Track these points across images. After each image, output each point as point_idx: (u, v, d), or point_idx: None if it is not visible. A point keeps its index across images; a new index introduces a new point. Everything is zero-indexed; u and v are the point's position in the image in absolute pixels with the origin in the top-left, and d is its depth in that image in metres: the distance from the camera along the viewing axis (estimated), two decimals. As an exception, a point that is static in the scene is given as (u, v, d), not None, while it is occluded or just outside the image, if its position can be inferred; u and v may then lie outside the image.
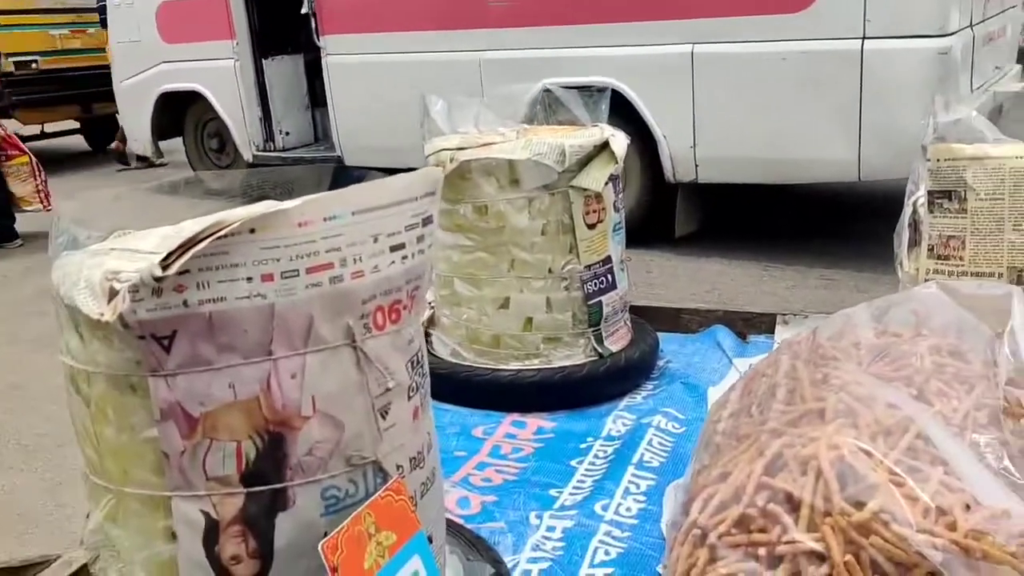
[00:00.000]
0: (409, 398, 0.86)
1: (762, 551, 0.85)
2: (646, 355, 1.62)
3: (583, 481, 1.29)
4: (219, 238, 0.71)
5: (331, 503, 0.79)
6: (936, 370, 1.10)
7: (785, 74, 5.31)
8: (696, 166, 5.80)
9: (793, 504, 0.86)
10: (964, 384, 1.08)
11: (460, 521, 1.16)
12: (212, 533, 0.78)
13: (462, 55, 6.42)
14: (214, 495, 0.77)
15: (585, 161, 1.52)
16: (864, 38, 5.02)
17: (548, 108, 1.67)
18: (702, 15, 5.52)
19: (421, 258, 0.86)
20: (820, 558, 0.83)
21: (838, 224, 5.02)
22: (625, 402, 1.55)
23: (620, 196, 1.60)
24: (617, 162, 1.51)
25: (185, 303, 0.72)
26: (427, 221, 0.86)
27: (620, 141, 1.53)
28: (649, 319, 1.79)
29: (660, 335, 1.79)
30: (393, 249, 0.81)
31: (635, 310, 1.81)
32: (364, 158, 5.80)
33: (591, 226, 1.53)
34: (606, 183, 1.52)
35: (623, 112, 5.96)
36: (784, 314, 1.80)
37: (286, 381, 0.76)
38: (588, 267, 1.54)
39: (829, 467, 0.86)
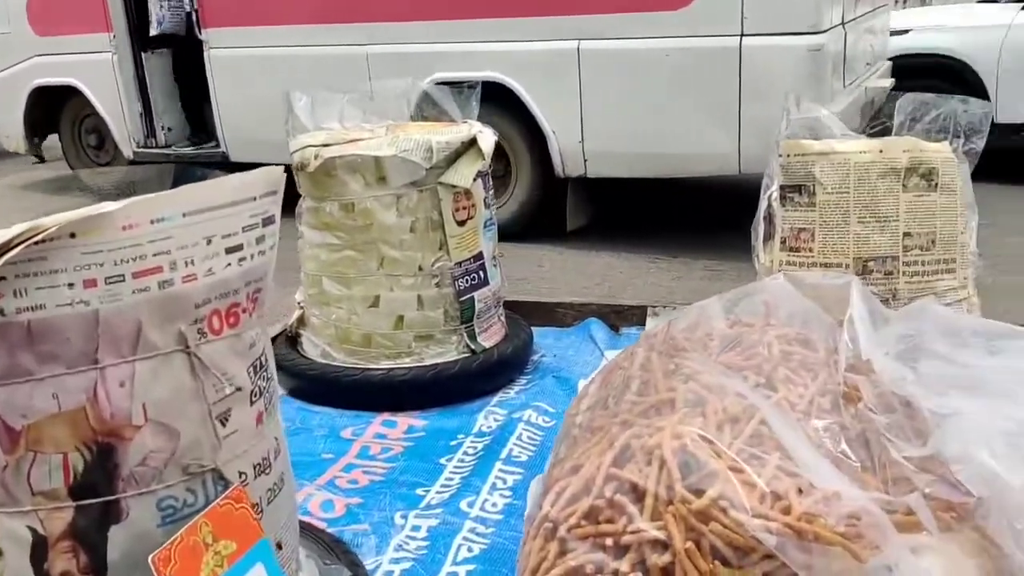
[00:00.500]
0: (252, 403, 0.84)
1: (609, 541, 0.86)
2: (519, 350, 1.63)
3: (451, 479, 1.29)
4: (35, 244, 0.68)
5: (168, 513, 0.77)
6: (784, 358, 1.14)
7: (668, 70, 5.42)
8: (585, 161, 5.87)
9: (639, 494, 0.88)
10: (810, 371, 1.12)
11: (323, 525, 1.14)
12: (40, 549, 0.74)
13: (349, 49, 6.34)
14: (40, 510, 0.74)
15: (453, 158, 1.52)
16: (742, 35, 5.17)
17: (418, 104, 1.67)
18: (587, 11, 5.59)
19: (262, 259, 0.84)
20: (664, 546, 0.85)
21: (724, 216, 5.16)
22: (498, 398, 1.56)
23: (491, 192, 1.61)
24: (484, 158, 1.51)
25: (1, 311, 0.69)
26: (268, 221, 0.85)
27: (488, 137, 1.54)
28: (524, 314, 1.81)
29: (535, 329, 1.81)
30: (229, 251, 0.79)
31: (510, 305, 1.82)
32: (250, 153, 5.67)
33: (461, 223, 1.53)
34: (475, 179, 1.51)
35: (512, 108, 6.00)
36: (654, 306, 1.84)
37: (114, 390, 0.73)
38: (459, 264, 1.54)
39: (672, 456, 0.88)
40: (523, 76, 5.87)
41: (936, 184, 1.34)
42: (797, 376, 1.11)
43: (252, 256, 0.82)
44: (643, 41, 5.47)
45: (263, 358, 0.87)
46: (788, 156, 1.39)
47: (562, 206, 6.21)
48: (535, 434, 1.40)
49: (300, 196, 1.58)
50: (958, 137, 1.42)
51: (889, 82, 6.79)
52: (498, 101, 6.01)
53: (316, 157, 1.48)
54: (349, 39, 6.38)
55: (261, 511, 0.86)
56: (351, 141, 1.50)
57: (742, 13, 5.12)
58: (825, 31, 5.17)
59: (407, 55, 6.13)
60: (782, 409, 1.03)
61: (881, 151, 1.33)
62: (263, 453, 0.86)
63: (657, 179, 5.71)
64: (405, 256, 1.51)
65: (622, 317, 1.85)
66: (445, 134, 1.51)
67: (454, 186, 1.50)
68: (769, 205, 1.45)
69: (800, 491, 0.85)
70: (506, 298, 1.78)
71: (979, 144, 1.43)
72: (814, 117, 1.45)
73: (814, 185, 1.36)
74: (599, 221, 6.53)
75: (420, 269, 1.52)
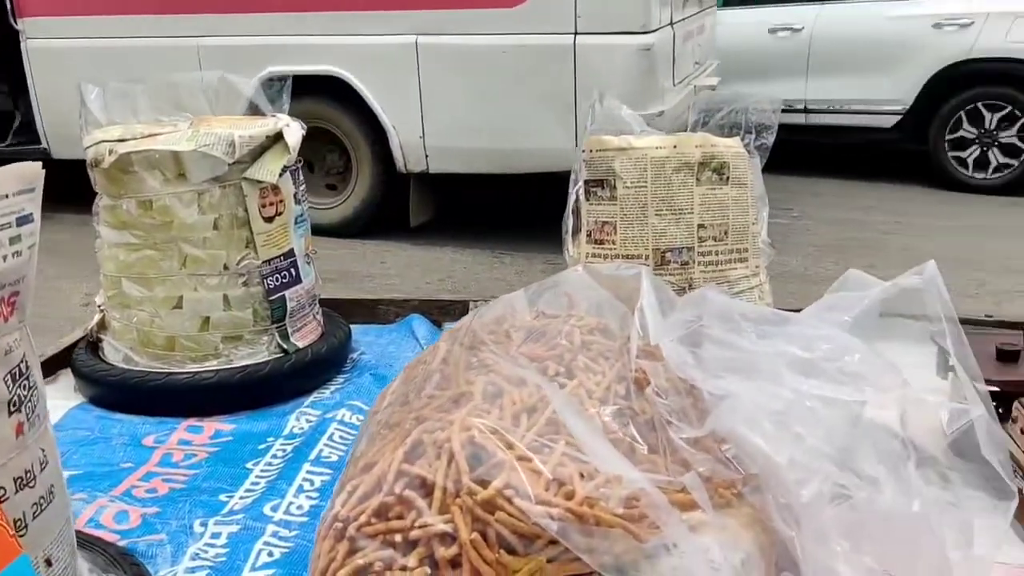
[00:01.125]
0: (10, 414, 0.79)
1: (398, 538, 0.86)
2: (335, 349, 1.60)
3: (256, 483, 1.26)
4: None
5: (-90, 536, 0.71)
6: (584, 347, 1.17)
7: (506, 67, 5.50)
8: (426, 156, 5.88)
9: (428, 488, 0.88)
10: (608, 359, 1.15)
11: (115, 537, 1.09)
12: None
13: (179, 41, 6.10)
14: None
15: (259, 152, 1.48)
16: (576, 33, 5.31)
17: (218, 97, 1.61)
18: (425, 7, 5.60)
19: (18, 261, 0.79)
20: (452, 539, 0.85)
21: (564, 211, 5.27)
22: (312, 398, 1.53)
23: (302, 188, 1.58)
24: (291, 153, 1.47)
25: None
26: (23, 220, 0.79)
27: (294, 131, 1.50)
28: (345, 312, 1.78)
29: (357, 327, 1.79)
30: (-25, 252, 0.74)
31: (330, 303, 1.79)
32: (73, 150, 5.37)
33: (269, 219, 1.49)
34: (282, 174, 1.48)
35: (352, 103, 5.94)
36: (475, 300, 1.85)
37: None
38: (267, 262, 1.50)
39: (460, 449, 0.88)
40: (361, 70, 5.82)
41: (727, 178, 1.41)
42: (596, 364, 1.14)
43: (5, 257, 0.77)
44: (481, 38, 5.53)
45: (23, 365, 0.81)
46: (591, 152, 1.43)
47: (405, 202, 6.19)
48: (348, 433, 1.38)
49: (96, 194, 1.51)
50: (749, 133, 1.50)
51: (716, 80, 7.11)
52: (337, 96, 5.93)
53: (110, 153, 1.41)
54: (179, 31, 6.14)
55: (25, 527, 0.81)
56: (148, 136, 1.43)
57: (575, 13, 5.25)
58: (654, 31, 5.38)
59: (240, 48, 5.97)
60: (575, 397, 1.05)
61: (675, 146, 1.39)
62: (25, 465, 0.81)
63: (501, 174, 5.80)
64: (209, 255, 1.46)
65: (445, 312, 1.85)
66: (249, 128, 1.47)
67: (260, 182, 1.46)
68: (576, 199, 1.48)
69: (583, 476, 0.87)
70: (324, 296, 1.75)
71: (769, 139, 1.51)
72: (615, 114, 1.49)
73: (615, 179, 1.40)
74: (443, 216, 6.55)
75: (225, 268, 1.47)
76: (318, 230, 6.42)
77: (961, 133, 6.96)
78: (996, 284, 5.11)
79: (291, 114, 5.36)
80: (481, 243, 6.01)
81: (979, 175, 6.98)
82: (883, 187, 7.32)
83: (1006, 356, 1.23)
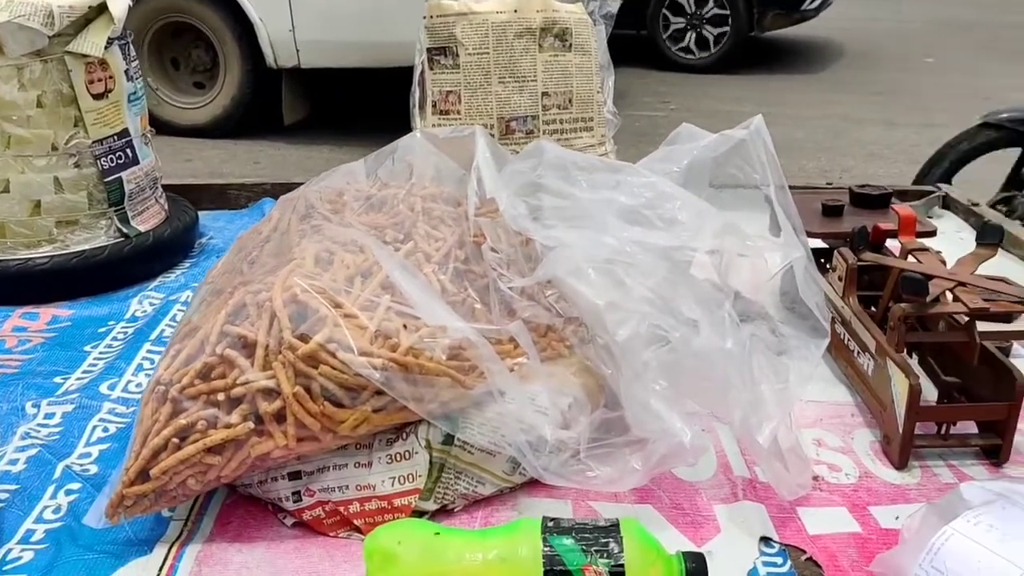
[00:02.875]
0: None
1: (220, 396, 0.85)
2: (180, 233, 1.55)
3: (95, 364, 1.23)
4: None
5: None
6: (424, 214, 1.16)
7: (377, -46, 5.29)
8: (297, 51, 5.67)
9: (250, 347, 0.87)
10: (449, 225, 1.15)
11: (-67, 424, 1.05)
12: None
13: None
14: None
15: (82, 24, 1.39)
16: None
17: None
18: None
19: None
20: (276, 394, 0.85)
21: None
22: (157, 282, 1.49)
23: (134, 63, 1.49)
24: (116, 23, 1.39)
25: None
26: None
27: (120, 2, 1.41)
28: (192, 198, 1.72)
29: (207, 213, 1.74)
30: None
31: (177, 190, 1.73)
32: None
33: (98, 96, 1.42)
34: (108, 47, 1.40)
35: (216, -6, 5.62)
36: (330, 183, 1.81)
37: None
38: (100, 141, 1.43)
39: (282, 306, 0.88)
40: (223, -42, 5.51)
41: (570, 44, 1.40)
42: (436, 231, 1.14)
43: None
44: (351, -77, 5.28)
45: None
46: (432, 17, 1.39)
47: (278, 99, 5.98)
48: (192, 313, 1.35)
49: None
50: (593, 0, 1.49)
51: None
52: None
53: (-88, 24, 1.30)
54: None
55: None
56: (-44, 5, 1.33)
57: None
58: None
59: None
60: (411, 259, 1.05)
61: (516, 11, 1.37)
62: None
63: (376, 68, 5.64)
64: (34, 135, 1.38)
65: (299, 195, 1.81)
66: (68, -2, 1.38)
67: (84, 55, 1.38)
68: (421, 70, 1.45)
69: (407, 328, 0.88)
70: (170, 182, 1.69)
71: (614, 7, 1.51)
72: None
73: (457, 47, 1.37)
74: (319, 113, 6.37)
75: (54, 148, 1.39)
76: (187, 131, 6.17)
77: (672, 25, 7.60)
78: (861, 169, 5.34)
79: (151, 9, 5.09)
80: (359, 140, 5.87)
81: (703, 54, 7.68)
82: (754, 77, 7.47)
83: (831, 211, 1.28)
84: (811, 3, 7.76)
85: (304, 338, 0.86)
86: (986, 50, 8.68)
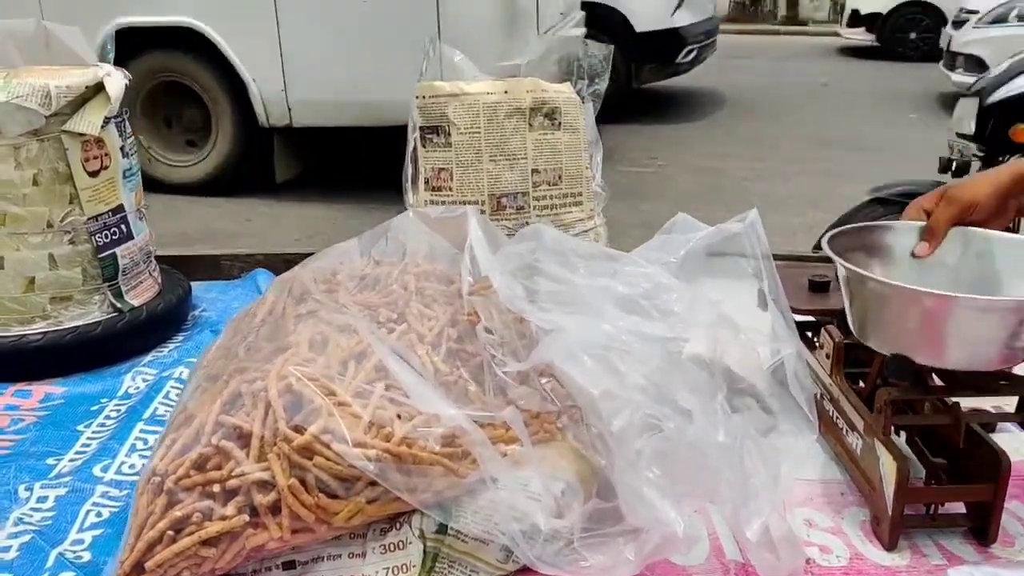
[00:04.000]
0: None
1: (216, 488, 0.86)
2: (173, 306, 1.56)
3: (88, 445, 1.23)
4: None
5: None
6: (417, 293, 1.18)
7: (368, 16, 5.39)
8: (289, 110, 5.75)
9: (245, 438, 0.88)
10: (442, 304, 1.16)
11: (-72, 510, 1.05)
12: None
13: (17, -13, 5.71)
14: None
15: (79, 104, 1.41)
16: (438, -20, 5.24)
17: (36, 46, 1.53)
18: (282, -46, 5.40)
19: None
20: (271, 486, 0.86)
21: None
22: (150, 357, 1.49)
23: (130, 140, 1.52)
24: (112, 103, 1.42)
25: None
26: None
27: (116, 81, 1.44)
28: (186, 269, 1.73)
29: (199, 284, 1.74)
30: None
31: (170, 260, 1.74)
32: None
33: (93, 173, 1.43)
34: (104, 126, 1.42)
35: (208, 55, 5.71)
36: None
37: None
38: (95, 218, 1.44)
39: (277, 397, 0.89)
40: (218, 21, 5.61)
41: (559, 123, 1.43)
42: (430, 310, 1.15)
43: None
44: (341, -15, 5.38)
45: None
46: (423, 98, 1.42)
47: (270, 157, 6.04)
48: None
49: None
50: (582, 79, 1.52)
51: (581, 31, 7.16)
52: (193, 48, 5.70)
53: (-87, 106, 1.32)
54: (18, -24, 5.74)
55: None
56: (-44, 88, 1.35)
57: (440, -40, 5.18)
58: (516, -21, 5.36)
59: (87, -2, 5.62)
60: (405, 342, 1.06)
61: (506, 92, 1.40)
62: None
63: (368, 127, 5.70)
64: (30, 212, 1.39)
65: (291, 265, 1.82)
66: (66, 78, 1.40)
67: (81, 134, 1.40)
68: (413, 147, 1.48)
69: (400, 417, 0.89)
70: (162, 252, 1.70)
71: (601, 86, 1.54)
72: (450, 60, 1.49)
73: (449, 126, 1.40)
74: (311, 171, 6.43)
75: (49, 225, 1.41)
76: (179, 188, 6.22)
77: None
78: (845, 224, 5.38)
79: (145, 69, 5.17)
80: (351, 197, 5.93)
81: None
82: (739, 134, 7.58)
83: (817, 287, 1.30)
84: (684, 57, 8.11)
85: (299, 429, 0.86)
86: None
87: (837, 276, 1.33)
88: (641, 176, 6.37)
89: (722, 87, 9.73)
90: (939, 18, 11.26)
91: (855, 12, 12.05)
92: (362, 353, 1.01)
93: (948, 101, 8.52)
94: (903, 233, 1.11)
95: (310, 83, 5.61)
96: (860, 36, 12.00)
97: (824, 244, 1.04)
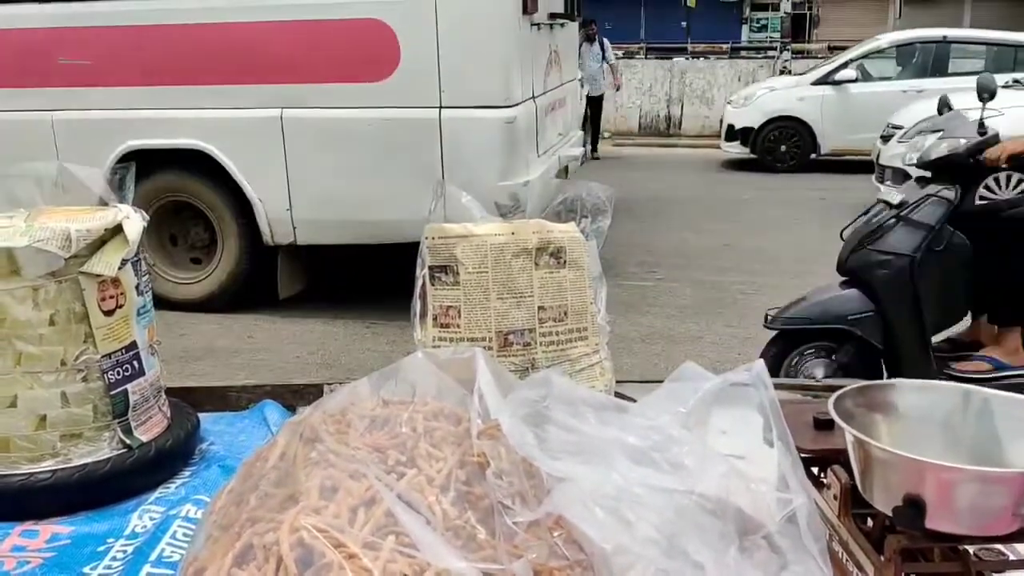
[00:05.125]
0: None
1: (227, 646, 0.85)
2: (181, 441, 1.57)
3: (94, 589, 1.22)
4: None
5: None
6: (426, 434, 1.19)
7: (372, 139, 5.56)
8: (294, 228, 5.85)
9: (257, 593, 0.88)
10: (451, 445, 1.17)
11: (-68, 660, 1.03)
12: None
13: (32, 115, 5.90)
14: None
15: (97, 245, 1.45)
16: (441, 107, 5.42)
17: (62, 187, 1.58)
18: (289, 81, 5.62)
19: None
20: (280, 644, 0.85)
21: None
22: (157, 494, 1.49)
23: (144, 278, 1.55)
24: (130, 245, 1.46)
25: None
26: None
27: (135, 224, 1.49)
28: (193, 400, 1.75)
29: (207, 416, 1.75)
30: None
31: (178, 392, 1.76)
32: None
33: (108, 312, 1.47)
34: (121, 267, 1.46)
35: (215, 175, 5.86)
36: (330, 383, 1.85)
37: None
38: (108, 356, 1.47)
39: (288, 551, 0.89)
40: (225, 143, 5.77)
41: (565, 261, 1.47)
42: (438, 451, 1.16)
43: None
44: (346, 111, 5.59)
45: None
46: (432, 239, 1.47)
47: (274, 274, 6.11)
48: (191, 530, 1.35)
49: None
50: (585, 217, 1.57)
51: (580, 151, 7.35)
52: (200, 169, 5.84)
53: (-67, 250, 1.36)
54: (32, 104, 5.94)
55: None
56: (-22, 231, 1.39)
57: (440, 87, 5.37)
58: (517, 104, 5.55)
59: (97, 122, 5.82)
60: (415, 487, 1.07)
61: (513, 233, 1.45)
62: None
63: (375, 244, 5.80)
64: (44, 351, 1.42)
65: (299, 396, 1.84)
66: (86, 221, 1.45)
67: (98, 275, 1.44)
68: (422, 284, 1.52)
69: (408, 574, 0.89)
70: (172, 384, 1.72)
71: (604, 223, 1.59)
72: (457, 201, 1.55)
73: (457, 265, 1.44)
74: (314, 288, 6.49)
75: (63, 364, 1.43)
76: (183, 305, 6.27)
77: None
78: (844, 339, 5.41)
79: (152, 188, 5.29)
80: (353, 314, 5.98)
81: None
82: (737, 248, 7.69)
83: (822, 424, 1.31)
84: None
85: (311, 585, 0.86)
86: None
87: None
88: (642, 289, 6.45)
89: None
90: (808, 131, 11.89)
91: (731, 127, 12.56)
92: (371, 500, 1.02)
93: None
94: (908, 391, 1.13)
95: (315, 203, 5.73)
96: (737, 149, 12.49)
97: (830, 406, 1.06)
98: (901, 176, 8.30)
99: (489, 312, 1.44)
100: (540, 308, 1.45)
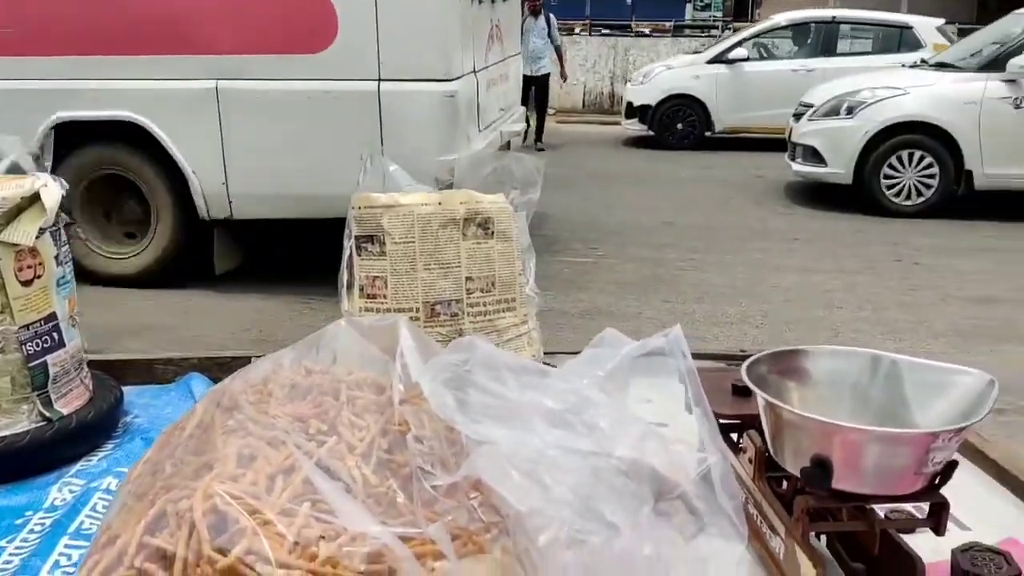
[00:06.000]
0: None
1: (139, 612, 0.85)
2: (104, 414, 1.54)
3: (10, 562, 1.20)
4: None
5: None
6: (349, 402, 1.19)
7: (310, 112, 5.49)
8: (230, 203, 5.76)
9: (169, 560, 0.87)
10: (373, 413, 1.17)
11: None
12: None
13: (-39, 85, 5.70)
14: None
15: (13, 214, 1.42)
16: (380, 80, 5.37)
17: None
18: (225, 51, 5.51)
19: None
20: (195, 609, 0.85)
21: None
22: (78, 466, 1.47)
23: (64, 248, 1.52)
24: (47, 214, 1.42)
25: None
26: None
27: (52, 192, 1.45)
28: (118, 373, 1.72)
29: (132, 389, 1.73)
30: None
31: (101, 365, 1.73)
32: None
33: (26, 283, 1.43)
34: (39, 236, 1.42)
35: (149, 148, 5.73)
36: (258, 355, 1.83)
37: None
38: (26, 327, 1.44)
39: (202, 517, 0.88)
40: (159, 115, 5.64)
41: (492, 232, 1.48)
42: (360, 419, 1.16)
43: None
44: (284, 83, 5.50)
45: None
46: (359, 208, 1.46)
47: (210, 249, 6.01)
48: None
49: None
50: (515, 189, 1.57)
51: (522, 127, 7.35)
52: (133, 142, 5.71)
53: None
54: (-41, 74, 5.74)
55: None
56: None
57: (379, 60, 5.31)
58: (458, 78, 5.52)
59: (27, 92, 5.65)
60: (333, 456, 1.07)
61: (440, 203, 1.44)
62: None
63: (314, 218, 5.72)
64: (-41, 322, 1.38)
65: (226, 370, 1.81)
66: (2, 189, 1.41)
67: (15, 244, 1.40)
68: (349, 254, 1.51)
69: (325, 536, 0.89)
70: (94, 357, 1.69)
71: (534, 195, 1.60)
72: (386, 171, 1.54)
73: (383, 235, 1.44)
74: (251, 263, 6.41)
75: (-22, 335, 1.40)
76: (118, 281, 6.15)
77: None
78: (778, 315, 5.53)
79: (86, 161, 5.19)
80: (291, 289, 5.92)
81: None
82: (677, 227, 7.77)
83: (740, 391, 1.34)
84: None
85: (223, 551, 0.86)
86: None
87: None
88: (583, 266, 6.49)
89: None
90: (703, 109, 12.03)
91: (630, 104, 12.78)
92: (291, 467, 1.02)
93: (794, 187, 9.02)
94: (819, 357, 1.15)
95: (252, 176, 5.65)
96: (636, 127, 12.74)
97: (743, 372, 1.08)
98: (812, 153, 8.50)
99: (416, 282, 1.44)
100: (468, 279, 1.46)
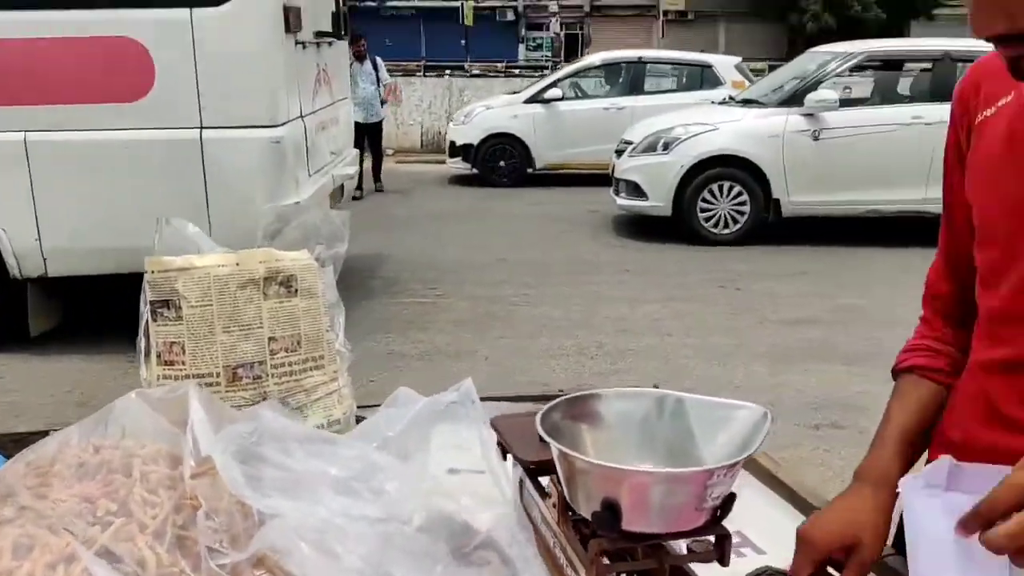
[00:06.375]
0: None
1: None
2: None
3: None
4: None
5: None
6: (143, 478, 1.14)
7: (129, 162, 5.27)
8: (44, 260, 5.44)
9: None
10: (167, 488, 1.13)
11: None
12: None
13: None
14: None
15: None
16: (202, 128, 5.22)
17: None
18: (34, 102, 5.22)
19: None
20: None
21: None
22: None
23: None
24: None
25: None
26: None
27: None
28: None
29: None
30: None
31: None
32: None
33: None
34: None
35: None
36: (57, 428, 1.73)
37: None
38: None
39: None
40: (-39, 169, 5.27)
41: (296, 290, 1.46)
42: (155, 495, 1.12)
43: None
44: (100, 133, 5.26)
45: None
46: (152, 272, 1.41)
47: (23, 310, 5.65)
48: None
49: None
50: (320, 244, 1.56)
51: (354, 169, 7.31)
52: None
53: None
54: None
55: None
56: None
57: (200, 106, 5.17)
58: (284, 124, 5.44)
59: None
60: (120, 538, 1.02)
61: (238, 264, 1.41)
62: None
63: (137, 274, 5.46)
64: None
65: (22, 445, 1.70)
66: None
67: None
68: (146, 322, 1.45)
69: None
70: None
71: (342, 248, 1.59)
72: (183, 234, 1.50)
73: (179, 299, 1.39)
74: (69, 322, 6.06)
75: None
76: (-81, 348, 5.62)
77: None
78: (613, 344, 5.69)
79: None
80: (114, 348, 5.60)
81: None
82: (510, 263, 7.91)
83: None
84: None
85: (-13, 657, 0.81)
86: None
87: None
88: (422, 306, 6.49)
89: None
90: (523, 147, 12.52)
91: (452, 143, 13.10)
92: (72, 555, 0.97)
93: (621, 220, 9.46)
94: (610, 400, 1.20)
95: (68, 231, 5.35)
96: (460, 165, 13.01)
97: (536, 421, 1.10)
98: (633, 188, 8.89)
99: (215, 346, 1.40)
100: (271, 339, 1.43)
